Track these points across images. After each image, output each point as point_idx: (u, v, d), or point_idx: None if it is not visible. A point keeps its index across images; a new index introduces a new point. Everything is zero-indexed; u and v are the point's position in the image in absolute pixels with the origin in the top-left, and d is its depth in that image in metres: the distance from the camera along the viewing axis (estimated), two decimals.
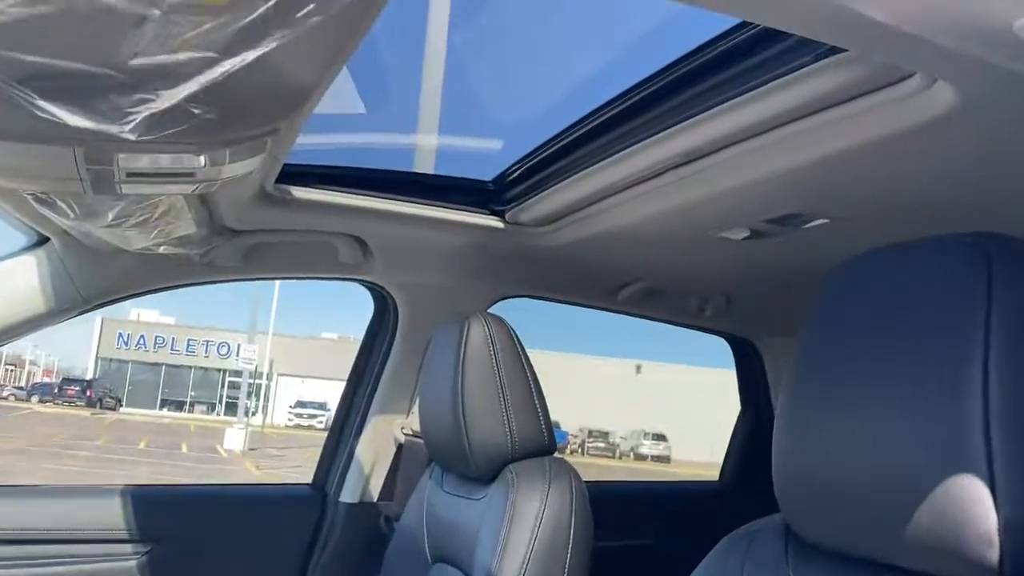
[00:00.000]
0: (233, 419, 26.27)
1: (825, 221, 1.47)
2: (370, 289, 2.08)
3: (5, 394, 34.89)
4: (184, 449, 19.77)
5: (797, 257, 1.71)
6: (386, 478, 2.09)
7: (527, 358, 1.58)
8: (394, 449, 2.09)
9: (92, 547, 1.81)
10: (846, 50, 0.95)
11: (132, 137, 0.83)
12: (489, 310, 2.10)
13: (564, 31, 1.88)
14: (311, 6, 0.68)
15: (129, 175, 1.08)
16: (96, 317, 38.44)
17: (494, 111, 1.97)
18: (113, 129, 0.81)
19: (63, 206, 1.30)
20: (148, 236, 1.49)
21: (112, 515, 1.84)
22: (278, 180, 1.58)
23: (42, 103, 0.79)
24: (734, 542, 0.91)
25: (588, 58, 1.81)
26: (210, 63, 0.76)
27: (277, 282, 22.69)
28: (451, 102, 1.92)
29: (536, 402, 1.55)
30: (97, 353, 38.20)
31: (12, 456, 13.57)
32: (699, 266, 1.93)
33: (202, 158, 1.04)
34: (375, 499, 2.08)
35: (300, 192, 1.66)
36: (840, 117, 1.07)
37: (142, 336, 38.72)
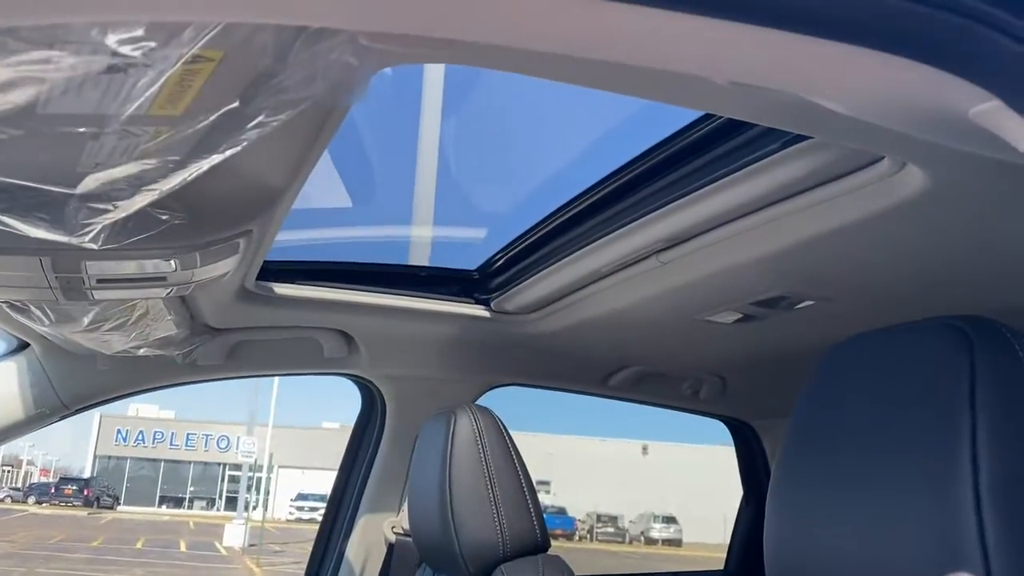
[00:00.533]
0: (233, 514, 25.74)
1: (811, 303, 1.46)
2: (357, 383, 2.05)
3: (1, 496, 34.29)
4: (182, 547, 19.30)
5: (788, 338, 1.69)
6: None
7: (516, 450, 1.54)
8: (384, 549, 2.02)
9: None
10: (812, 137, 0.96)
11: (94, 246, 0.82)
12: (480, 400, 2.07)
13: (544, 121, 1.91)
14: (263, 115, 0.68)
15: (99, 281, 1.07)
16: (95, 414, 38.13)
17: (478, 200, 1.98)
18: (73, 240, 0.80)
19: (38, 313, 1.28)
20: (127, 339, 1.47)
21: None
22: (259, 277, 1.57)
23: (1, 217, 0.78)
24: None
25: (567, 146, 1.83)
26: (169, 171, 0.75)
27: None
28: (436, 192, 1.94)
29: (527, 497, 1.50)
30: (95, 451, 37.70)
31: (4, 560, 13.24)
32: (691, 350, 1.91)
33: (173, 262, 1.03)
34: None
35: (282, 288, 1.65)
36: (814, 202, 1.07)
37: (141, 432, 38.29)
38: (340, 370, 1.97)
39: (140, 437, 38.18)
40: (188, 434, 38.80)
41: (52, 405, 1.68)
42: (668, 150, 1.26)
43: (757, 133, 1.06)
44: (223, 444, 37.70)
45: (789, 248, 1.20)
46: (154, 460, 38.00)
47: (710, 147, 1.16)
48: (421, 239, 2.02)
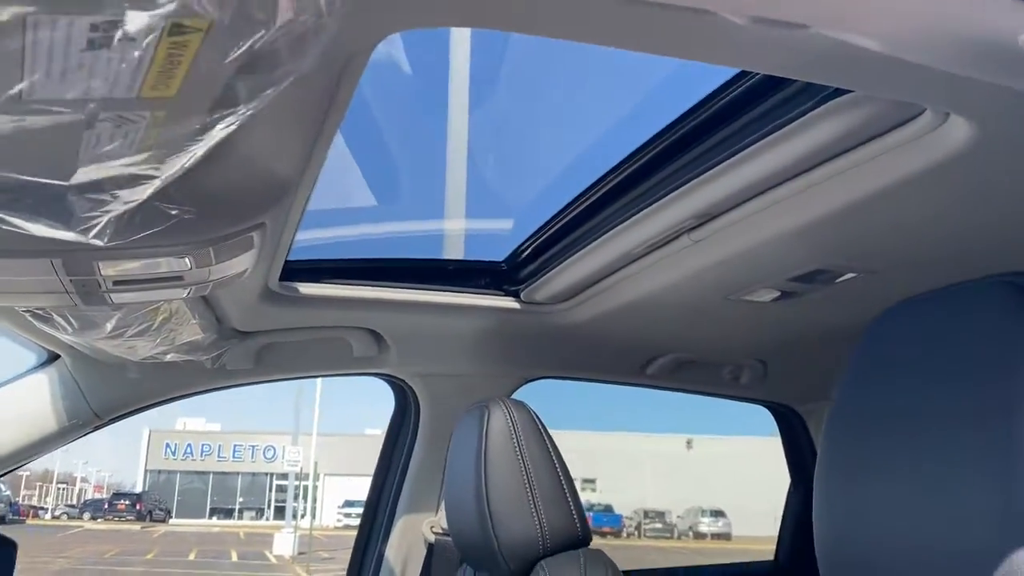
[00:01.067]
0: (282, 523, 26.05)
1: (852, 276, 1.39)
2: (389, 382, 2.02)
3: (58, 513, 35.14)
4: (234, 557, 19.55)
5: (831, 316, 1.62)
6: None
7: (553, 444, 1.49)
8: (424, 549, 1.99)
9: None
10: (849, 91, 0.90)
11: (100, 243, 0.79)
12: (514, 395, 2.03)
13: (565, 104, 1.87)
14: (259, 91, 0.64)
15: (115, 283, 1.05)
16: (143, 429, 38.92)
17: (503, 190, 1.94)
18: (80, 236, 0.78)
19: (61, 321, 1.27)
20: (153, 344, 1.46)
21: None
22: (284, 278, 1.55)
23: (2, 215, 0.76)
24: None
25: (591, 126, 1.79)
26: (170, 158, 0.72)
27: (319, 382, 22.79)
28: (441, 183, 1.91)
29: (566, 490, 1.46)
30: (146, 465, 38.44)
31: None
32: (729, 333, 1.85)
33: (186, 260, 1.00)
34: None
35: (307, 288, 1.62)
36: (852, 164, 1.01)
37: (189, 445, 38.97)
38: (371, 370, 1.94)
39: (188, 450, 38.86)
40: (235, 445, 39.40)
41: (85, 416, 1.68)
42: (693, 121, 1.21)
43: (786, 96, 1.01)
44: (269, 454, 38.23)
45: (826, 217, 1.14)
46: (203, 473, 38.64)
47: (737, 115, 1.11)
48: (449, 232, 1.99)
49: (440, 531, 1.96)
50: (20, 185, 0.74)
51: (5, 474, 1.65)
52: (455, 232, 1.96)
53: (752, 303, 1.58)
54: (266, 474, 38.20)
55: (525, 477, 1.44)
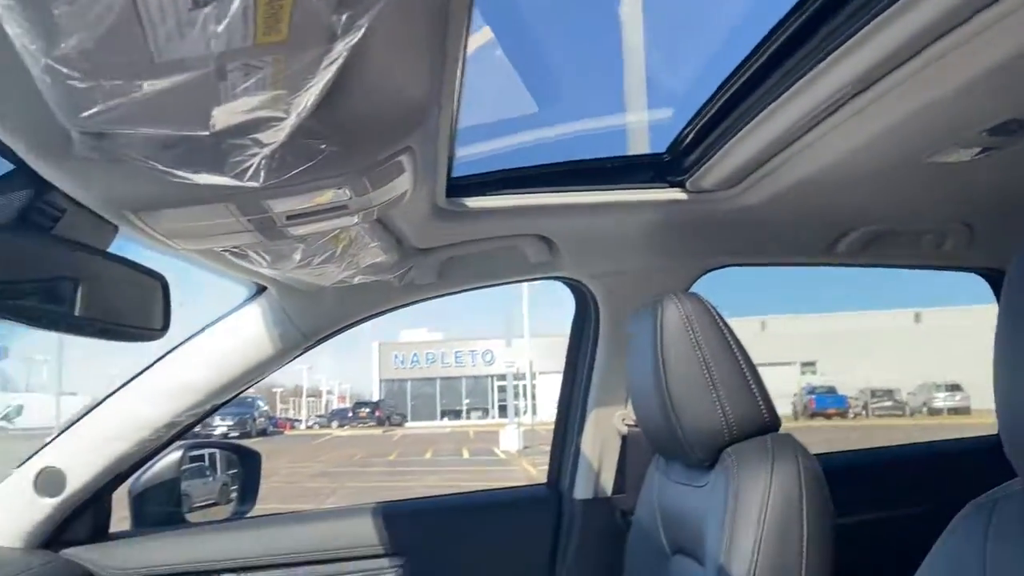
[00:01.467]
0: (505, 421, 27.63)
1: None
2: (567, 284, 2.06)
3: (310, 424, 39.44)
4: (465, 455, 21.07)
5: None
6: (616, 471, 2.05)
7: (731, 332, 1.47)
8: (619, 441, 2.04)
9: (351, 564, 1.94)
10: None
11: (255, 184, 0.86)
12: (696, 285, 2.00)
13: None
14: (363, 16, 0.66)
15: (288, 218, 1.13)
16: (372, 343, 42.25)
17: (660, 78, 1.86)
18: (235, 181, 0.85)
19: (255, 256, 1.40)
20: (340, 269, 1.57)
21: (365, 534, 1.97)
22: (451, 194, 1.60)
23: (170, 169, 0.84)
24: (976, 512, 0.78)
25: None
26: (298, 97, 0.76)
27: (524, 287, 23.51)
28: (615, 78, 1.84)
29: (748, 377, 1.44)
30: (379, 376, 41.97)
31: (319, 479, 15.24)
32: (924, 198, 1.69)
33: (345, 190, 1.06)
34: (608, 494, 2.04)
35: (474, 202, 1.67)
36: None
37: (415, 354, 42.00)
38: (547, 274, 1.98)
39: (415, 359, 41.91)
40: (456, 352, 41.92)
41: (294, 339, 1.86)
42: None
43: None
44: (487, 358, 40.35)
45: (1018, 54, 1.00)
46: (430, 379, 41.60)
47: None
48: (609, 129, 1.94)
49: (631, 423, 2.00)
50: (178, 140, 0.82)
51: (234, 397, 1.88)
52: (615, 128, 1.92)
53: (947, 164, 1.44)
54: (487, 376, 40.45)
55: (704, 368, 1.43)
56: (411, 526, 2.03)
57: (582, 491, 2.06)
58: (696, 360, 1.44)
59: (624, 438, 2.03)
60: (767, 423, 1.44)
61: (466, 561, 2.01)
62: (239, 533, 1.96)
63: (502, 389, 36.32)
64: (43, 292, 1.02)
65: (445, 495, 2.34)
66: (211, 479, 2.15)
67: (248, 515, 2.06)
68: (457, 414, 40.85)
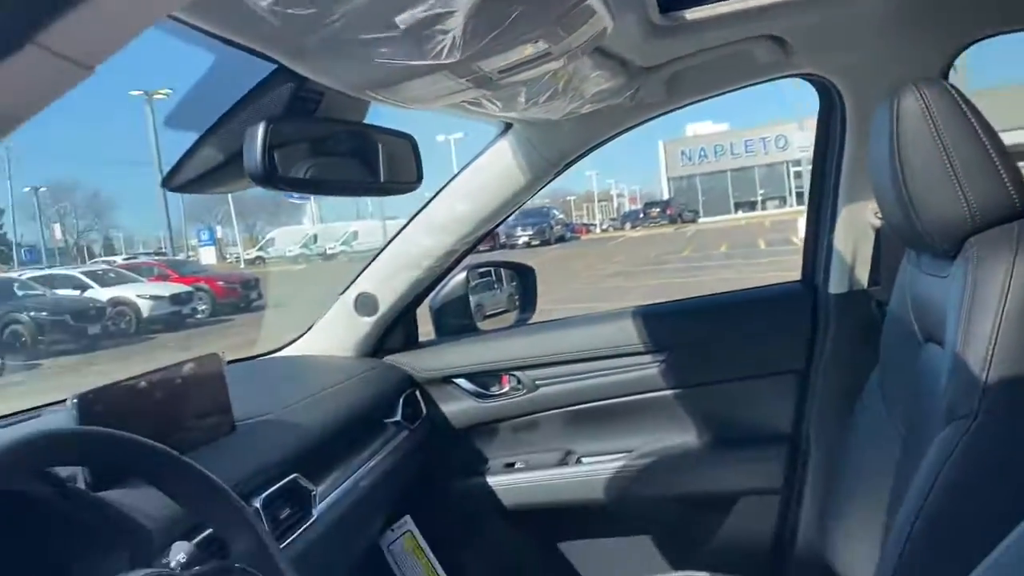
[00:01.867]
0: (803, 208, 26.40)
1: None
2: (808, 80, 1.98)
3: (605, 227, 40.83)
4: (761, 245, 20.73)
5: None
6: (871, 264, 2.03)
7: (978, 115, 1.38)
8: (872, 234, 2.01)
9: (618, 361, 2.19)
10: None
11: (452, 61, 1.00)
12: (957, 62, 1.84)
13: None
14: None
15: (500, 72, 1.26)
16: (657, 142, 41.82)
17: None
18: (436, 61, 1.00)
19: (487, 103, 1.56)
20: (567, 102, 1.68)
21: (630, 334, 2.19)
22: (664, 9, 1.61)
23: (385, 61, 1.01)
24: None
25: None
26: None
27: None
28: None
29: (996, 161, 1.36)
30: (667, 175, 41.76)
31: (617, 278, 16.01)
32: None
33: (540, 43, 1.17)
34: (864, 286, 2.04)
35: (692, 13, 1.66)
36: None
37: (702, 149, 41.00)
38: (783, 72, 1.92)
39: (703, 154, 40.99)
40: (746, 141, 40.26)
41: (542, 168, 2.04)
42: None
43: None
44: (780, 143, 38.29)
45: None
46: (720, 172, 40.60)
47: None
48: None
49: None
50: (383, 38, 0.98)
51: (497, 226, 2.15)
52: None
53: None
54: (782, 163, 38.57)
55: (943, 154, 1.38)
56: (672, 325, 2.21)
57: (837, 285, 2.07)
58: (934, 147, 1.38)
59: (877, 231, 1.99)
60: (1017, 208, 1.37)
61: (723, 354, 2.16)
62: (521, 338, 2.29)
63: (798, 175, 34.54)
64: (319, 165, 1.27)
65: (703, 296, 2.47)
66: (498, 291, 2.49)
67: (528, 322, 2.38)
68: (752, 205, 39.75)
